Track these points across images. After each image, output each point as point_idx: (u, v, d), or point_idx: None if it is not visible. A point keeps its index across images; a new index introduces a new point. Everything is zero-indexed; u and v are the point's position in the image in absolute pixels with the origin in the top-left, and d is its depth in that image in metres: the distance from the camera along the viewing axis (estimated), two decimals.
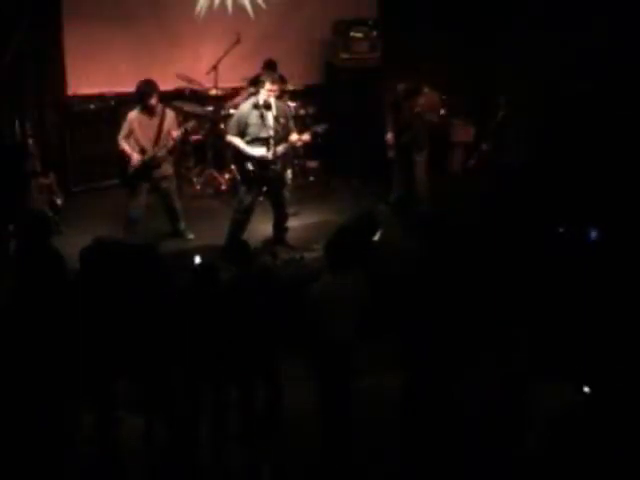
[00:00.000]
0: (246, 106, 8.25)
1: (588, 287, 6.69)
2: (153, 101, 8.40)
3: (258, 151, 8.13)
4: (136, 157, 8.36)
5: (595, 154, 8.78)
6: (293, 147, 8.42)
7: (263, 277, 6.24)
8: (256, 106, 8.15)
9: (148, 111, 8.42)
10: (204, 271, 6.17)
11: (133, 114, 8.47)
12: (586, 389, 5.76)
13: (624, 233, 7.54)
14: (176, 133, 8.45)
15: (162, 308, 5.87)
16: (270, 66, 9.76)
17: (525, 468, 5.48)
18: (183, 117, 9.51)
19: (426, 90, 9.04)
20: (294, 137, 8.29)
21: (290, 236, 8.79)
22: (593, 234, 7.53)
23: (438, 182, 9.65)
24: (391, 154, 9.30)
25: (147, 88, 8.38)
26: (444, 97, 9.45)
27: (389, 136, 9.20)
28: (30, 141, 8.81)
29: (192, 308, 5.92)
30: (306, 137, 8.40)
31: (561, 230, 7.78)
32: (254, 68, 9.78)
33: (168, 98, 9.43)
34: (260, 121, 8.14)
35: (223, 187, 9.98)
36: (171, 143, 8.46)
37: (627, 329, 6.29)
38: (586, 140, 8.96)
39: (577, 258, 7.20)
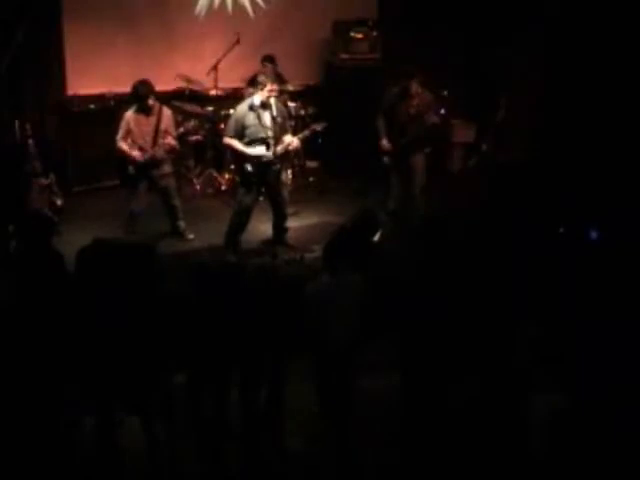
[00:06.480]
0: (242, 107, 8.26)
1: (589, 287, 6.69)
2: (149, 101, 8.42)
3: (258, 150, 8.13)
4: (137, 154, 8.38)
5: (595, 153, 8.78)
6: (286, 149, 8.38)
7: (263, 277, 6.23)
8: (252, 107, 8.15)
9: (144, 111, 8.44)
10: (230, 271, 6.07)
11: (129, 114, 8.49)
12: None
13: (625, 233, 7.54)
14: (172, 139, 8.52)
15: (161, 308, 5.87)
16: (269, 60, 9.76)
17: (526, 468, 5.48)
18: (183, 117, 9.50)
19: (419, 90, 8.68)
20: (287, 139, 8.28)
21: (290, 236, 8.79)
22: (594, 234, 7.52)
23: (438, 182, 9.63)
24: (386, 160, 8.90)
25: (143, 88, 8.40)
26: (444, 94, 9.29)
27: (384, 142, 8.81)
28: (30, 141, 8.81)
29: (193, 309, 5.91)
30: (296, 143, 8.35)
31: (562, 230, 7.78)
32: (254, 68, 9.79)
33: (168, 98, 9.45)
34: (257, 122, 8.15)
35: (223, 187, 9.99)
36: (169, 144, 8.49)
37: (627, 329, 6.28)
38: (586, 139, 8.95)
39: (578, 258, 7.19)
